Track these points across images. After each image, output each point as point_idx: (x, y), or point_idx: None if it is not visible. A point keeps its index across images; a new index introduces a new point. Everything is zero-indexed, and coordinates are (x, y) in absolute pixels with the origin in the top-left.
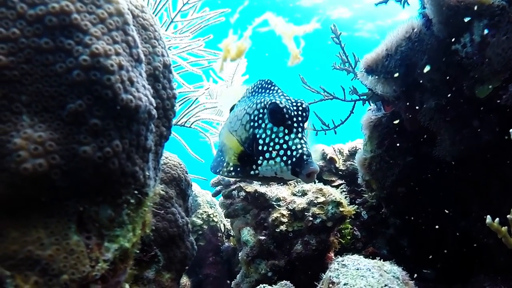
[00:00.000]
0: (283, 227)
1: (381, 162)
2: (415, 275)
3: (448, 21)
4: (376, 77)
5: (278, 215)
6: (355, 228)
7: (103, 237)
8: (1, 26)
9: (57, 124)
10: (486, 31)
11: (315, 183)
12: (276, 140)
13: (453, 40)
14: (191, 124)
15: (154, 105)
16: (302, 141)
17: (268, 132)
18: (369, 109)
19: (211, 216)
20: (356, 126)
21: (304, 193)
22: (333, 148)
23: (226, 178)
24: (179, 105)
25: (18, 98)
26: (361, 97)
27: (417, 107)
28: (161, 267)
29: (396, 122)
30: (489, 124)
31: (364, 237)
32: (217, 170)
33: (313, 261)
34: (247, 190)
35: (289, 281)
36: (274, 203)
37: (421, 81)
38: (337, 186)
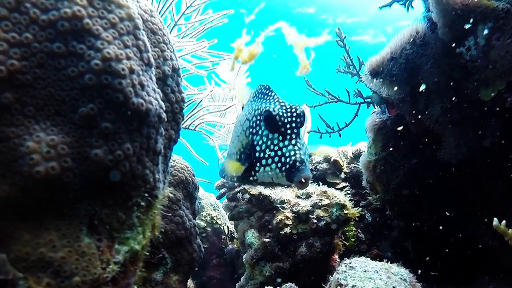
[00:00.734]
0: (287, 230)
1: (386, 164)
2: (420, 277)
3: (452, 24)
4: (381, 80)
5: (283, 218)
6: (359, 230)
7: (114, 239)
8: (14, 31)
9: (69, 128)
10: (486, 31)
11: (319, 185)
12: (271, 147)
13: (457, 43)
14: (196, 126)
15: (164, 108)
16: (296, 148)
17: (264, 139)
18: (374, 112)
19: (215, 218)
20: (360, 129)
21: (308, 196)
22: (337, 151)
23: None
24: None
25: (30, 102)
26: (366, 100)
27: (421, 110)
28: (168, 269)
29: (400, 128)
30: (493, 126)
31: (369, 240)
32: (223, 175)
33: (318, 264)
34: (251, 192)
35: (293, 283)
36: (279, 206)
37: (426, 84)
38: (341, 189)
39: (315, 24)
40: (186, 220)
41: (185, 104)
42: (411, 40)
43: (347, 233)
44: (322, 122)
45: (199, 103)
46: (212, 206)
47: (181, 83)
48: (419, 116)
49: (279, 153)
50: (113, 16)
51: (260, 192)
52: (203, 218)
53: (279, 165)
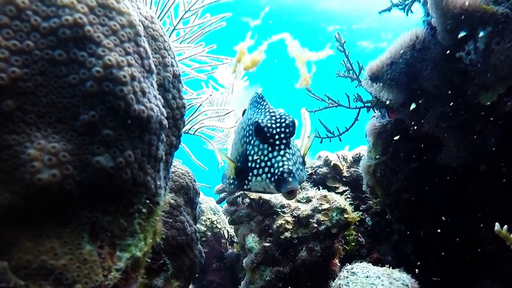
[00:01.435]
0: (287, 234)
1: (386, 168)
2: (421, 280)
3: (452, 29)
4: (381, 84)
5: (283, 222)
6: (359, 234)
7: (115, 246)
8: (15, 39)
9: (70, 135)
10: (486, 36)
11: (319, 189)
12: (262, 157)
13: (457, 47)
14: (195, 131)
15: (165, 115)
16: (284, 158)
17: (256, 149)
18: (373, 116)
19: (215, 222)
20: (360, 133)
21: (308, 200)
22: (337, 155)
23: None
24: None
25: (32, 109)
26: (366, 105)
27: (421, 114)
28: (170, 275)
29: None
30: (493, 130)
31: (369, 244)
32: (223, 181)
33: (318, 268)
34: (251, 197)
35: None
36: (279, 210)
37: (426, 88)
38: (341, 193)
39: (317, 31)
40: (187, 226)
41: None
42: (411, 44)
43: (347, 237)
44: (322, 127)
45: (198, 107)
46: (212, 210)
47: (182, 89)
48: (419, 120)
49: (268, 163)
50: (114, 23)
51: (260, 197)
52: (203, 223)
53: (269, 175)
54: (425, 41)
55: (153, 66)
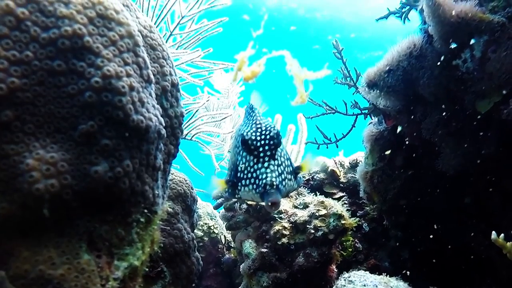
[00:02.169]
0: (285, 240)
1: (383, 175)
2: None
3: (449, 37)
4: (378, 91)
5: (280, 228)
6: (356, 240)
7: (113, 255)
8: (14, 49)
9: (69, 145)
10: (482, 44)
11: (316, 195)
12: (248, 168)
13: (454, 55)
14: (192, 136)
15: (164, 124)
16: (268, 170)
17: (244, 160)
18: (370, 122)
19: (212, 227)
20: (357, 138)
21: (305, 206)
22: (334, 161)
23: None
24: None
25: (30, 120)
26: (363, 111)
27: (418, 121)
28: (167, 283)
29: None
30: (490, 138)
31: (366, 249)
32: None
33: (315, 274)
34: (248, 202)
35: None
36: (276, 216)
37: (423, 96)
38: (338, 199)
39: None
40: (184, 234)
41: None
42: (408, 52)
43: (344, 243)
44: (319, 133)
45: (195, 112)
46: (209, 215)
47: (180, 97)
48: (416, 127)
49: (254, 175)
50: (113, 33)
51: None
52: (200, 228)
53: (254, 186)
54: (422, 48)
55: (151, 76)
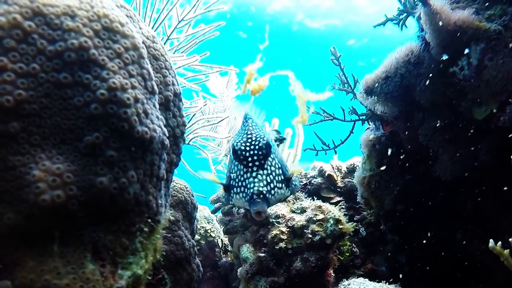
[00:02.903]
0: (282, 244)
1: (380, 180)
2: None
3: (446, 45)
4: (376, 97)
5: (278, 232)
6: (353, 244)
7: (117, 264)
8: (21, 62)
9: (74, 156)
10: (479, 52)
11: (314, 200)
12: (239, 177)
13: (451, 63)
14: (190, 140)
15: (167, 134)
16: (256, 180)
17: (236, 169)
18: (368, 128)
19: (209, 231)
20: (354, 143)
21: (303, 210)
22: (332, 166)
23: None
24: None
25: (37, 131)
26: (361, 117)
27: (416, 127)
28: None
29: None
30: (486, 144)
31: (363, 254)
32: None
33: (313, 278)
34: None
35: None
36: (274, 220)
37: (420, 102)
38: (335, 203)
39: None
40: (185, 241)
41: None
42: (406, 59)
43: (341, 248)
44: (318, 140)
45: (192, 117)
46: (206, 219)
47: (182, 107)
48: (413, 133)
49: (244, 183)
50: (119, 46)
51: None
52: (197, 231)
53: (244, 194)
54: (419, 56)
55: (155, 87)
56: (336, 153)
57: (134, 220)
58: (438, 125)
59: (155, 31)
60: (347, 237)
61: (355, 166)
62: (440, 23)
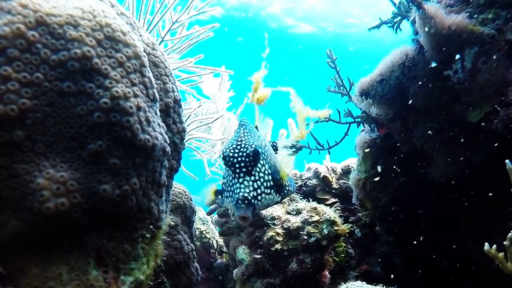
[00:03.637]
0: (278, 246)
1: (375, 182)
2: None
3: (440, 48)
4: (371, 100)
5: (273, 234)
6: (349, 246)
7: (120, 270)
8: (25, 71)
9: (78, 164)
10: (472, 56)
11: (309, 201)
12: (229, 182)
13: (445, 66)
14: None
15: (168, 141)
16: (242, 186)
17: (226, 174)
18: (363, 130)
19: (204, 232)
20: (349, 145)
21: (298, 212)
22: (326, 167)
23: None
24: None
25: (41, 139)
26: (356, 120)
27: (410, 130)
28: None
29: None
30: (480, 146)
31: (358, 255)
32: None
33: (308, 280)
34: None
35: None
36: (269, 222)
37: (415, 105)
38: (331, 205)
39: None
40: (184, 245)
41: None
42: (401, 62)
43: (337, 249)
44: (313, 140)
45: (187, 118)
46: (201, 220)
47: (182, 113)
48: (408, 135)
49: (232, 188)
50: (121, 55)
51: None
52: None
53: (231, 199)
54: (414, 59)
55: (157, 95)
56: (329, 153)
57: (136, 226)
58: (432, 127)
59: (149, 33)
60: (342, 239)
61: (350, 167)
62: (435, 27)
